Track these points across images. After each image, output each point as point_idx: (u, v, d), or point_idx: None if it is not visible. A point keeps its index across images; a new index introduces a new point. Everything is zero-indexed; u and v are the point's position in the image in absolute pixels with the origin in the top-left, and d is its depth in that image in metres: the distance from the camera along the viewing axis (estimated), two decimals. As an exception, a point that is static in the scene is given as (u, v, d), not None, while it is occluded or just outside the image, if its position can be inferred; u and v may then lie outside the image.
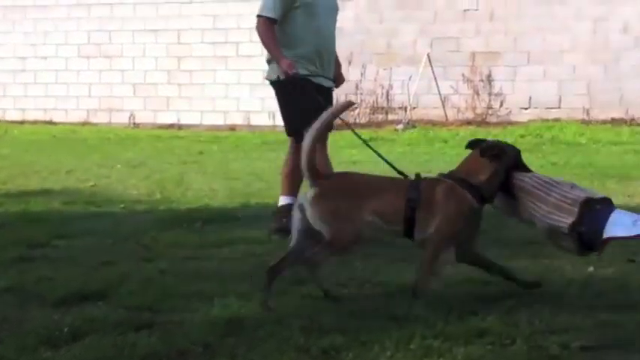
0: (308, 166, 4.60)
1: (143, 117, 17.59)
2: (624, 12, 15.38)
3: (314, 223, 4.57)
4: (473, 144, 4.96)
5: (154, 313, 4.49)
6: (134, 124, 17.56)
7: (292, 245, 4.69)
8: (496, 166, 4.78)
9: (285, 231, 6.30)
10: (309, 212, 4.59)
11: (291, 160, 6.65)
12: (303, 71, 6.43)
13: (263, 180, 9.69)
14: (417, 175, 4.86)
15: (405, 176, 4.92)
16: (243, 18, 16.82)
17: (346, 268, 5.45)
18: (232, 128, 16.74)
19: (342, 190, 4.63)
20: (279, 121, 16.02)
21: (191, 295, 4.82)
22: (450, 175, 4.83)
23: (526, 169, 4.93)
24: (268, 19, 6.46)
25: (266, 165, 11.08)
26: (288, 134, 6.74)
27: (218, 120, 17.19)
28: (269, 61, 6.62)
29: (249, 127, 16.68)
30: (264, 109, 16.68)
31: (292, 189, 6.69)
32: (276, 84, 6.56)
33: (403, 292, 4.84)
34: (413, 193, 4.65)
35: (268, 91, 16.68)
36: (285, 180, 6.75)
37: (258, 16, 6.49)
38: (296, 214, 4.67)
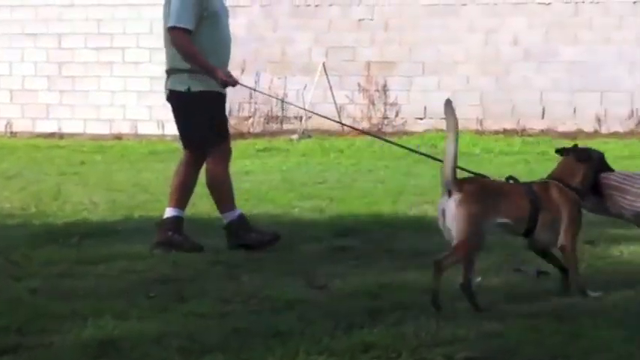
0: (453, 173, 4.74)
1: (21, 125, 16.91)
2: (514, 24, 15.65)
3: (452, 225, 4.75)
4: (561, 150, 5.39)
5: (22, 335, 4.26)
6: (11, 132, 16.86)
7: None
8: (587, 169, 5.24)
9: (169, 245, 6.17)
10: (452, 215, 4.74)
11: (184, 172, 6.51)
12: (213, 83, 6.31)
13: (148, 192, 9.42)
14: (512, 178, 5.18)
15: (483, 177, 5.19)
16: (130, 22, 16.47)
17: (232, 283, 5.35)
18: (118, 137, 16.29)
19: (483, 195, 4.84)
20: (169, 131, 16.13)
21: (63, 315, 4.60)
22: (552, 179, 5.21)
23: (610, 170, 5.44)
24: (186, 30, 6.24)
25: (153, 176, 10.79)
26: (186, 146, 6.53)
27: (103, 129, 16.68)
28: (173, 71, 6.41)
29: (137, 136, 16.28)
30: (152, 118, 16.33)
31: (181, 202, 6.54)
32: (184, 95, 6.34)
33: (290, 307, 4.76)
34: (532, 195, 4.98)
35: (156, 99, 16.68)
36: (175, 192, 6.53)
37: (175, 27, 6.24)
38: (440, 220, 4.85)
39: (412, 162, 12.03)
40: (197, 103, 6.30)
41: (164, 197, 8.88)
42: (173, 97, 6.43)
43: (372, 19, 16.00)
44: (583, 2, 15.45)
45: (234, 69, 16.96)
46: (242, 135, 15.64)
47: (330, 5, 16.17)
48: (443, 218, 4.80)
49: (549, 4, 15.54)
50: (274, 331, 4.31)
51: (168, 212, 6.50)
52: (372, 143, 14.10)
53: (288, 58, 16.18)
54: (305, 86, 15.91)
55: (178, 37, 6.25)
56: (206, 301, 4.87)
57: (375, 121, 15.93)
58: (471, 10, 15.74)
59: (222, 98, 6.45)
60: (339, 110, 15.86)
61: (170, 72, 6.43)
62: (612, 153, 12.86)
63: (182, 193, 6.51)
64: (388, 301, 4.84)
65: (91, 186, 10.10)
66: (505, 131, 15.42)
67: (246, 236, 6.37)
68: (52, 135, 16.56)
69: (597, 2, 15.40)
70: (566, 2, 15.50)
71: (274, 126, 16.15)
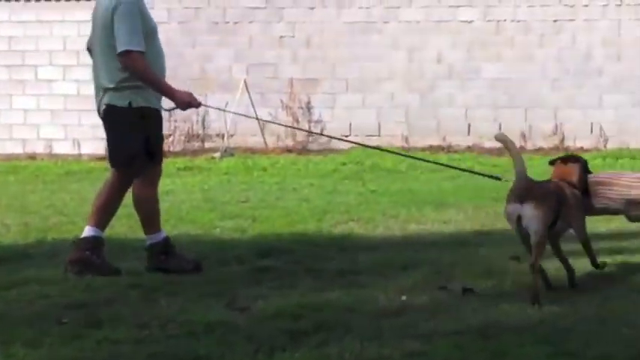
0: (525, 184, 5.54)
1: None
2: (437, 42, 15.79)
3: (531, 225, 5.41)
4: (554, 160, 6.16)
5: None
6: None
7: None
8: (579, 168, 5.96)
9: (84, 264, 5.97)
10: (530, 218, 5.39)
11: (109, 193, 6.36)
12: (155, 101, 6.29)
13: (63, 214, 9.18)
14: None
15: (499, 179, 6.31)
16: (43, 40, 16.21)
17: (150, 307, 5.22)
18: (32, 157, 15.94)
19: (547, 198, 5.52)
20: (85, 150, 15.79)
21: (-28, 343, 4.43)
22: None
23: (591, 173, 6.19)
24: (140, 52, 6.10)
25: (68, 197, 10.57)
26: (116, 166, 6.38)
27: (16, 148, 16.33)
28: (112, 88, 6.19)
29: (51, 156, 15.92)
30: (67, 137, 16.05)
31: (102, 222, 6.37)
32: (124, 111, 6.18)
33: (210, 331, 4.65)
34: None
35: (71, 118, 16.32)
36: (98, 212, 6.35)
37: (130, 51, 6.06)
38: (514, 224, 5.51)
39: (338, 180, 12.02)
40: (137, 119, 6.19)
41: (79, 219, 8.70)
42: (111, 112, 6.24)
43: (293, 37, 15.99)
44: (504, 21, 15.72)
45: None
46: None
47: (250, 22, 16.11)
48: (517, 222, 5.44)
49: (471, 22, 15.75)
50: (193, 356, 4.22)
51: (87, 231, 6.31)
52: (297, 161, 14.05)
53: (208, 75, 16.04)
54: (226, 103, 15.71)
55: (135, 61, 6.09)
56: (122, 327, 4.73)
57: (299, 138, 15.86)
58: (394, 28, 15.86)
59: (160, 117, 6.38)
60: (262, 128, 15.76)
61: (108, 89, 6.23)
62: (538, 169, 12.87)
63: (103, 215, 6.35)
64: (311, 322, 4.78)
65: (3, 208, 9.82)
66: (431, 147, 15.52)
67: (167, 261, 6.23)
68: (-38, 155, 16.13)
69: (518, 21, 15.70)
70: (488, 21, 15.74)
71: (195, 144, 15.97)
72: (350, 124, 15.98)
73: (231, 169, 13.60)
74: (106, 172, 13.23)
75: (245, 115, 12.53)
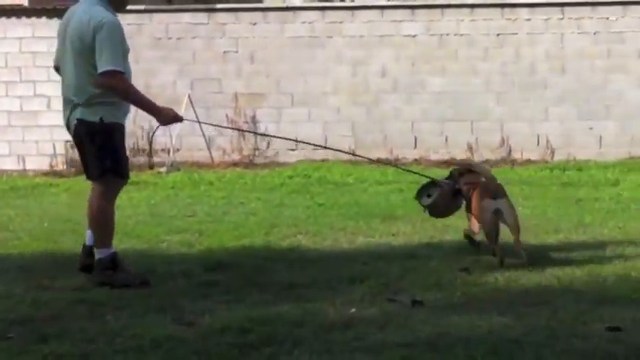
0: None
1: None
2: (381, 56, 15.83)
3: (509, 218, 6.72)
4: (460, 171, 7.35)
5: None
6: None
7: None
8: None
9: (112, 285, 6.08)
10: (507, 212, 6.72)
11: (97, 202, 6.48)
12: (122, 117, 6.50)
13: (8, 229, 9.05)
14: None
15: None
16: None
17: (96, 322, 5.18)
18: (-25, 173, 15.74)
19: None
20: (30, 165, 15.65)
21: None
22: None
23: None
24: (122, 72, 6.29)
25: (13, 212, 10.43)
26: (93, 178, 6.50)
27: (-39, 164, 16.12)
28: (82, 104, 6.31)
29: (-5, 172, 15.74)
30: (11, 153, 15.89)
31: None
32: (96, 125, 6.29)
33: (157, 346, 4.62)
34: None
35: (15, 134, 16.08)
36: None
37: (114, 71, 6.20)
38: (494, 217, 6.67)
39: (285, 193, 11.99)
40: (107, 133, 6.33)
41: (25, 234, 8.63)
42: (82, 127, 6.34)
43: (236, 52, 15.94)
44: (448, 35, 15.75)
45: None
46: (108, 169, 15.27)
47: (193, 38, 16.04)
48: (498, 215, 6.65)
49: (415, 36, 15.79)
50: (140, 372, 4.17)
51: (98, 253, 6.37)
52: (243, 175, 14.00)
53: (152, 90, 15.82)
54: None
55: (118, 80, 6.26)
56: (68, 342, 4.69)
57: (246, 152, 15.82)
58: (337, 42, 15.87)
59: (124, 133, 6.56)
60: (209, 142, 15.70)
61: (78, 104, 6.34)
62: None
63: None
64: (260, 335, 4.76)
65: (-54, 223, 9.65)
66: (379, 161, 15.51)
67: (114, 275, 6.23)
68: None
69: (462, 35, 15.73)
70: (432, 35, 15.77)
71: (141, 159, 15.83)
72: (296, 138, 15.96)
73: (178, 183, 13.50)
74: (50, 188, 13.30)
75: (227, 127, 12.49)
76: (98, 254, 6.33)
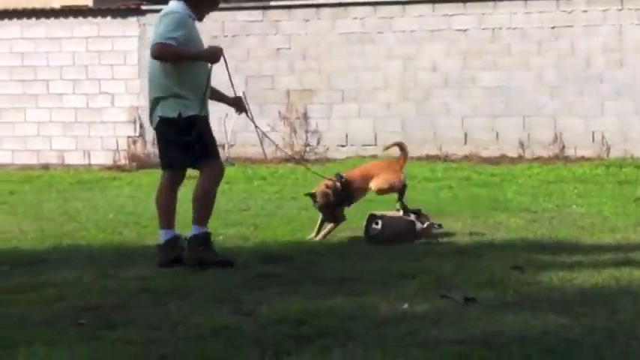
0: None
1: (-49, 157, 16.85)
2: (432, 51, 15.82)
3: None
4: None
5: (-47, 363, 4.23)
6: (-58, 164, 16.77)
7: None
8: None
9: (200, 262, 6.53)
10: None
11: (168, 194, 6.94)
12: (198, 108, 6.75)
13: (76, 221, 9.41)
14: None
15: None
16: (53, 56, 16.53)
17: (159, 310, 5.33)
18: (46, 167, 16.24)
19: None
20: (95, 160, 16.01)
21: (-5, 342, 4.58)
22: None
23: None
24: (171, 43, 6.58)
25: (80, 205, 10.81)
26: (167, 166, 6.93)
27: (31, 159, 16.66)
28: (162, 98, 6.71)
29: (64, 166, 16.25)
30: (78, 148, 16.36)
31: (172, 222, 6.92)
32: (175, 121, 6.64)
33: (217, 334, 4.75)
34: None
35: (81, 130, 16.54)
36: (166, 214, 6.94)
37: (161, 44, 6.57)
38: None
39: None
40: (188, 126, 6.63)
41: (91, 225, 8.93)
42: (163, 123, 6.71)
43: (289, 48, 16.08)
44: (500, 29, 15.62)
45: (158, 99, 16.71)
46: (166, 163, 15.56)
47: (248, 35, 16.23)
48: None
49: (466, 30, 15.73)
50: (201, 358, 4.31)
51: (166, 234, 6.81)
52: (295, 170, 14.10)
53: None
54: (226, 115, 15.88)
55: (162, 49, 6.58)
56: (134, 329, 4.85)
57: (297, 148, 15.98)
58: (388, 38, 15.88)
59: (207, 120, 6.84)
60: (262, 138, 15.85)
61: (158, 101, 6.73)
62: (538, 177, 13.13)
63: (171, 214, 6.91)
64: (314, 327, 4.82)
65: (20, 215, 10.06)
66: (428, 157, 15.51)
67: (205, 252, 6.66)
68: (-19, 166, 16.39)
69: (515, 28, 15.57)
70: (484, 29, 15.67)
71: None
72: (346, 134, 16.07)
73: (232, 178, 13.71)
74: (114, 182, 13.62)
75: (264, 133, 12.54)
76: (194, 230, 6.74)
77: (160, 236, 6.93)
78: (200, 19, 6.97)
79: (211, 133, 6.86)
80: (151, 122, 6.91)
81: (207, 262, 6.55)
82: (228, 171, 14.64)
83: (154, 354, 4.39)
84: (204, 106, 6.82)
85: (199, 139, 6.67)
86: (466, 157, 15.35)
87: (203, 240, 6.70)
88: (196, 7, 6.86)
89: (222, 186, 12.85)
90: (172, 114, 6.66)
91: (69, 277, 6.31)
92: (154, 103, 6.79)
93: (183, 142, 6.66)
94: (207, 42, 16.02)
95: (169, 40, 6.52)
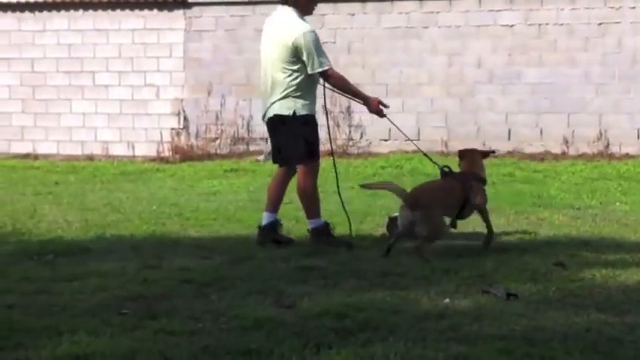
0: None
1: (-3, 147, 17.07)
2: (477, 47, 15.73)
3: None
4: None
5: (-1, 350, 4.28)
6: (-13, 154, 17.00)
7: None
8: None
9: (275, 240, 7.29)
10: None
11: (279, 184, 7.64)
12: (312, 108, 7.48)
13: (120, 211, 9.49)
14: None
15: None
16: (99, 47, 16.68)
17: (202, 301, 5.38)
18: (90, 158, 16.40)
19: None
20: (138, 152, 16.13)
21: (39, 330, 4.65)
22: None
23: None
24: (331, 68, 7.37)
25: (124, 196, 10.90)
26: (282, 163, 7.61)
27: (76, 150, 16.82)
28: (280, 99, 7.30)
29: (108, 157, 16.40)
30: (122, 140, 16.51)
31: (277, 207, 7.62)
32: (290, 118, 7.28)
33: (259, 326, 4.78)
34: None
35: (126, 122, 16.73)
36: (274, 201, 7.62)
37: (328, 69, 7.28)
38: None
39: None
40: (300, 124, 7.28)
41: (135, 216, 9.03)
42: (278, 120, 7.33)
43: (334, 42, 16.05)
44: (547, 24, 15.49)
45: (200, 92, 17.07)
46: (209, 156, 15.69)
47: (294, 30, 16.27)
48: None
49: (512, 26, 15.63)
50: (244, 350, 4.33)
51: (269, 217, 7.48)
52: (337, 164, 14.10)
53: (253, 81, 16.24)
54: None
55: (334, 77, 7.40)
56: (176, 319, 4.90)
57: (340, 142, 15.96)
58: (434, 33, 15.81)
59: (316, 121, 7.48)
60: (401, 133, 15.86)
61: (275, 101, 7.33)
62: (581, 174, 13.03)
63: (277, 202, 7.62)
64: (356, 321, 4.84)
65: (65, 205, 10.15)
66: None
67: (329, 239, 7.34)
68: (27, 156, 16.61)
69: (561, 24, 15.43)
70: (530, 24, 15.55)
71: (241, 147, 16.19)
72: (389, 129, 16.02)
73: (274, 171, 13.76)
74: (157, 173, 13.74)
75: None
76: (312, 224, 7.44)
77: (264, 218, 7.48)
78: (311, 14, 7.60)
79: (317, 133, 7.47)
80: (263, 118, 7.54)
81: (331, 246, 7.15)
82: (270, 165, 14.81)
83: (196, 345, 4.43)
84: (314, 105, 7.46)
85: (308, 137, 7.34)
86: (509, 153, 15.27)
87: (323, 230, 7.35)
88: (307, 6, 7.55)
89: (265, 179, 13.09)
90: (288, 112, 7.26)
91: (112, 267, 6.38)
92: (272, 103, 7.37)
93: (295, 138, 7.31)
94: (254, 36, 16.32)
95: (328, 65, 7.26)
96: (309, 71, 7.22)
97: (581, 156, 14.80)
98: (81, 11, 16.91)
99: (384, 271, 6.22)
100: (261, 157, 15.13)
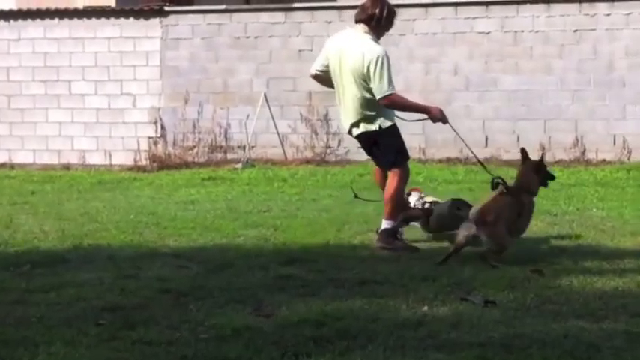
0: None
1: (-28, 156, 16.96)
2: (453, 54, 15.79)
3: None
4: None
5: (-26, 362, 4.27)
6: (-38, 164, 16.88)
7: None
8: None
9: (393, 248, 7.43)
10: None
11: (393, 185, 7.69)
12: (394, 118, 7.77)
13: (97, 221, 9.44)
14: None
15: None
16: (75, 56, 16.63)
17: (180, 311, 5.37)
18: (67, 167, 16.32)
19: None
20: (116, 160, 16.09)
21: (16, 341, 4.63)
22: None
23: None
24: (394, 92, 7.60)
25: (101, 205, 10.85)
26: (387, 168, 7.79)
27: (52, 159, 16.74)
28: (362, 120, 7.63)
29: (85, 166, 16.32)
30: (99, 149, 16.45)
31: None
32: (377, 133, 7.63)
33: (237, 335, 4.78)
34: None
35: (102, 131, 16.64)
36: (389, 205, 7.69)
37: (390, 94, 7.52)
38: None
39: (356, 190, 12.07)
40: (386, 136, 7.63)
41: (112, 226, 8.98)
42: (367, 136, 7.70)
43: (311, 50, 16.05)
44: (523, 32, 15.56)
45: (177, 100, 17.03)
46: (187, 165, 15.65)
47: (270, 37, 16.26)
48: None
49: (489, 33, 15.68)
50: (222, 359, 4.33)
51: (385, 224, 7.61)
52: (315, 173, 14.14)
53: (230, 88, 16.25)
54: (247, 116, 15.98)
55: (394, 100, 7.60)
56: (154, 329, 4.89)
57: (318, 150, 15.97)
58: (410, 40, 15.85)
59: (397, 128, 7.79)
60: (282, 140, 15.93)
61: (359, 122, 7.64)
62: (558, 181, 12.98)
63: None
64: (334, 329, 4.85)
65: (42, 215, 10.09)
66: (448, 160, 15.49)
67: (395, 242, 7.48)
68: (3, 165, 16.57)
69: (537, 31, 15.51)
70: (506, 32, 15.61)
71: (218, 155, 16.17)
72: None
73: (253, 179, 13.76)
74: (134, 182, 13.68)
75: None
76: (385, 224, 7.52)
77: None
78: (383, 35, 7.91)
79: (401, 139, 7.79)
80: (350, 133, 7.87)
81: (397, 249, 7.34)
82: (249, 172, 14.85)
83: (174, 355, 4.43)
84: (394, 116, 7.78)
85: (394, 144, 7.70)
86: (487, 160, 15.24)
87: (393, 233, 7.53)
88: (382, 31, 7.87)
89: (243, 187, 13.14)
90: (374, 127, 7.59)
91: (89, 277, 6.35)
92: (356, 123, 7.68)
93: (385, 147, 7.69)
94: (230, 43, 16.34)
95: (392, 89, 7.51)
96: (379, 94, 7.48)
97: (558, 162, 14.86)
98: (56, 20, 16.84)
99: (362, 279, 6.22)
100: (239, 165, 15.11)
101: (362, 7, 7.73)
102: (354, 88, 7.56)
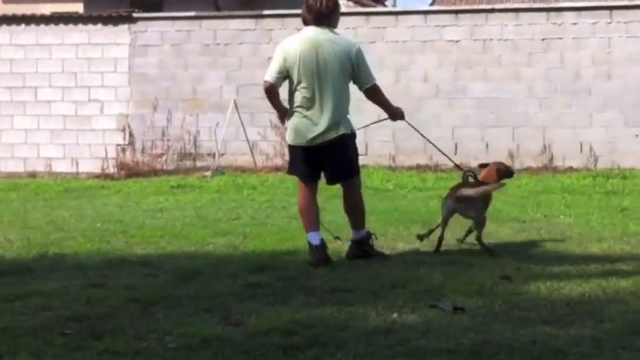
0: None
1: None
2: (423, 62, 15.87)
3: None
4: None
5: (-63, 374, 4.20)
6: None
7: None
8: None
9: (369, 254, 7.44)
10: None
11: (352, 198, 7.67)
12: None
13: (63, 229, 9.37)
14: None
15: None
16: (42, 62, 16.52)
17: (147, 320, 5.32)
18: (33, 175, 16.20)
19: None
20: (83, 168, 16.00)
21: (-21, 354, 4.55)
22: None
23: None
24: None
25: (67, 214, 10.78)
26: (353, 176, 7.65)
27: (17, 167, 16.61)
28: (342, 119, 7.47)
29: (51, 174, 16.21)
30: (66, 156, 16.34)
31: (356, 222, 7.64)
32: (351, 136, 7.56)
33: (206, 344, 4.74)
34: None
35: (69, 138, 16.52)
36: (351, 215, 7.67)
37: (375, 84, 7.65)
38: None
39: (326, 198, 12.01)
40: (354, 139, 7.61)
41: (78, 234, 8.90)
42: (344, 139, 7.46)
43: (283, 57, 16.04)
44: (492, 40, 15.70)
45: (145, 107, 17.02)
46: (155, 172, 15.59)
47: (240, 44, 16.25)
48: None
49: (458, 41, 15.79)
50: (190, 369, 4.26)
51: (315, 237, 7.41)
52: (285, 180, 14.10)
53: (200, 95, 16.22)
54: (217, 123, 15.95)
55: (380, 89, 7.75)
56: (121, 339, 4.84)
57: (288, 157, 15.93)
58: (380, 48, 15.90)
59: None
60: (252, 147, 15.90)
61: (339, 121, 7.42)
62: (526, 188, 13.16)
63: (354, 216, 7.67)
64: (304, 337, 4.84)
65: (6, 224, 10.00)
66: (418, 167, 15.55)
67: (370, 248, 7.52)
68: (-33, 173, 16.36)
69: (506, 40, 15.65)
70: (475, 40, 15.74)
71: (187, 163, 16.12)
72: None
73: (222, 187, 13.72)
74: (102, 190, 13.59)
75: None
76: (361, 233, 7.54)
77: (310, 238, 7.38)
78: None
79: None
80: (316, 140, 7.48)
81: (372, 254, 7.41)
82: (218, 180, 14.81)
83: (141, 364, 4.38)
84: None
85: (357, 150, 7.70)
86: (456, 167, 15.32)
87: (368, 238, 7.54)
88: (336, 22, 7.57)
89: (212, 195, 13.09)
90: (349, 130, 7.48)
91: (55, 287, 6.26)
92: (336, 123, 7.42)
93: (354, 151, 7.64)
94: (200, 50, 16.30)
95: (375, 80, 7.58)
96: (365, 86, 7.54)
97: (526, 169, 14.97)
98: (23, 26, 16.74)
99: (332, 287, 6.21)
100: (208, 173, 15.06)
101: (308, 8, 7.49)
102: (341, 82, 7.42)
